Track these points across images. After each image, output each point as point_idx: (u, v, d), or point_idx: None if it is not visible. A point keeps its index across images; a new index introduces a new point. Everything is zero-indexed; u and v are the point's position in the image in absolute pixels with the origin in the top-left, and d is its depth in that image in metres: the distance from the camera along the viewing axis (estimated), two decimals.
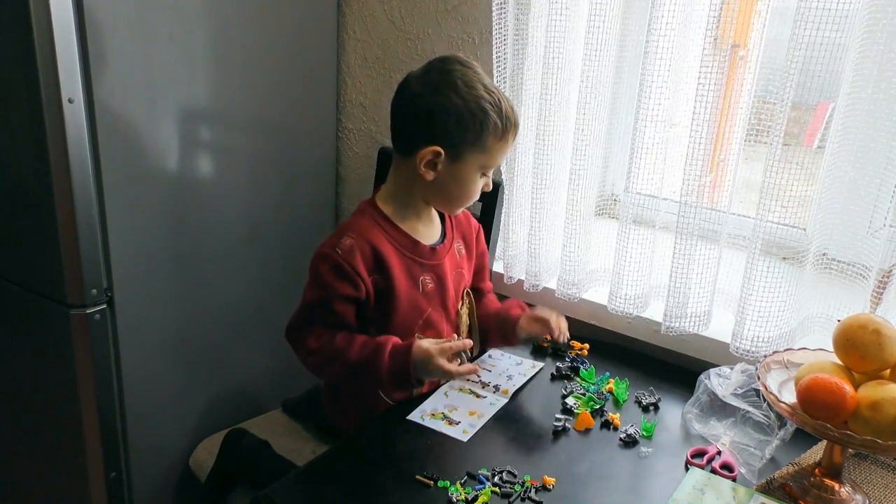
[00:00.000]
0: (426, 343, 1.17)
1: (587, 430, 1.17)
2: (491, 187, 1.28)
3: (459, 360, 1.21)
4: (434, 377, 1.20)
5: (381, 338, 1.20)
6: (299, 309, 1.24)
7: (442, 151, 1.17)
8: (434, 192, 1.24)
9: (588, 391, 1.26)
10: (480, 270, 1.42)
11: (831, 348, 1.01)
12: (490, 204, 1.53)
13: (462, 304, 1.35)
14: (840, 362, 1.00)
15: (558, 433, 1.15)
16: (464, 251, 1.35)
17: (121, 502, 1.56)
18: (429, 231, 1.30)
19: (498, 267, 1.58)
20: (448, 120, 1.15)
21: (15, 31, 1.24)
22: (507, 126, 1.19)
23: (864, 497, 1.01)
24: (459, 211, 1.32)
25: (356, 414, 1.31)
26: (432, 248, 1.28)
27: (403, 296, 1.23)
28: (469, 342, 1.22)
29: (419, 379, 1.19)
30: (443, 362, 1.16)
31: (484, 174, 1.24)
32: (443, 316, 1.30)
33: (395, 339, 1.20)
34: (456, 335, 1.31)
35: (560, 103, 1.39)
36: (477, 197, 1.26)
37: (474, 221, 1.41)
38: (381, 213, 1.25)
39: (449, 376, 1.20)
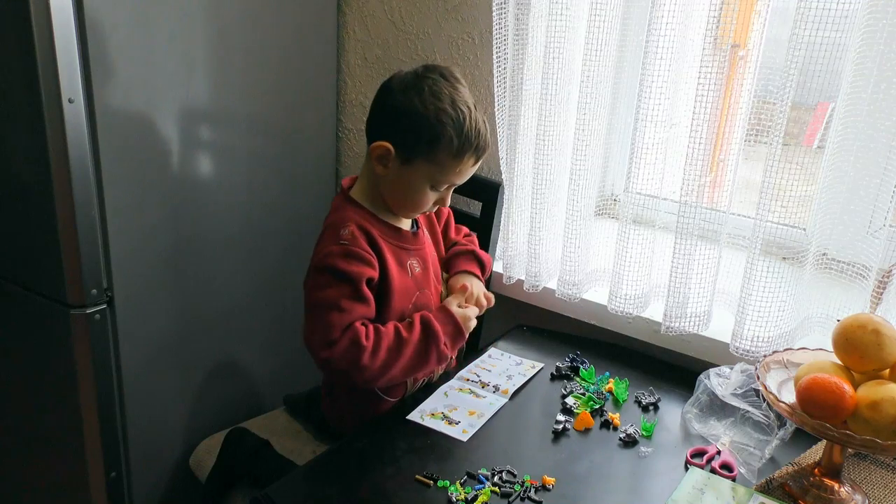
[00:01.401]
0: (455, 309, 1.24)
1: (587, 430, 1.17)
2: (447, 205, 1.27)
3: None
4: (470, 326, 1.26)
5: (417, 315, 1.22)
6: (324, 324, 1.15)
7: (391, 149, 1.17)
8: (385, 189, 1.24)
9: (588, 391, 1.26)
10: (447, 229, 1.45)
11: (831, 348, 1.01)
12: (490, 204, 1.53)
13: (443, 286, 1.36)
14: (840, 362, 1.00)
15: (558, 433, 1.15)
16: (428, 236, 1.37)
17: (121, 502, 1.56)
18: (405, 219, 1.31)
19: (498, 267, 1.58)
20: (403, 120, 1.16)
21: (15, 31, 1.25)
22: (463, 146, 1.16)
23: (863, 497, 1.01)
24: (408, 216, 1.29)
25: (353, 416, 1.31)
26: (413, 234, 1.29)
27: (397, 282, 1.23)
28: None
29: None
30: (472, 315, 1.27)
31: (434, 188, 1.21)
32: (429, 299, 1.30)
33: (426, 313, 1.23)
34: None
35: (560, 103, 1.39)
36: (426, 209, 1.24)
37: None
38: (360, 205, 1.25)
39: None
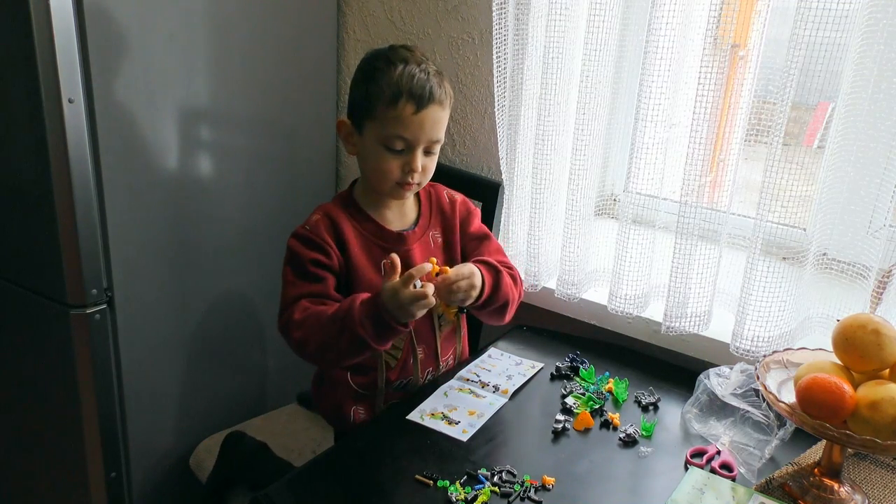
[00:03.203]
0: (389, 282, 1.10)
1: (587, 430, 1.17)
2: (418, 169, 1.19)
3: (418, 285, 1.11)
4: (407, 309, 1.09)
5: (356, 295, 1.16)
6: (281, 297, 1.22)
7: (348, 122, 1.23)
8: (361, 169, 1.27)
9: (588, 391, 1.26)
10: (477, 251, 1.33)
11: (831, 348, 1.01)
12: (490, 204, 1.53)
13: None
14: (839, 362, 1.00)
15: (558, 433, 1.15)
16: (440, 240, 1.31)
17: (121, 502, 1.56)
18: (399, 218, 1.29)
19: None
20: (351, 89, 1.23)
21: (15, 31, 1.25)
22: (396, 94, 1.15)
23: (863, 497, 1.01)
24: (384, 190, 1.24)
25: (336, 408, 1.32)
26: (400, 234, 1.27)
27: (363, 276, 1.23)
28: (426, 266, 1.11)
29: (396, 319, 1.10)
30: (408, 291, 1.08)
31: (389, 148, 1.18)
32: None
33: (366, 294, 1.15)
34: (438, 328, 1.31)
35: (560, 103, 1.39)
36: (393, 175, 1.20)
37: (464, 208, 1.34)
38: (352, 198, 1.29)
39: (419, 301, 1.08)
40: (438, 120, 1.20)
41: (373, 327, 1.11)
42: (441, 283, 1.15)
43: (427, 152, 1.21)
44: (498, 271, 1.25)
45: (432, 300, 1.10)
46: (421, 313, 1.11)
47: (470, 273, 1.18)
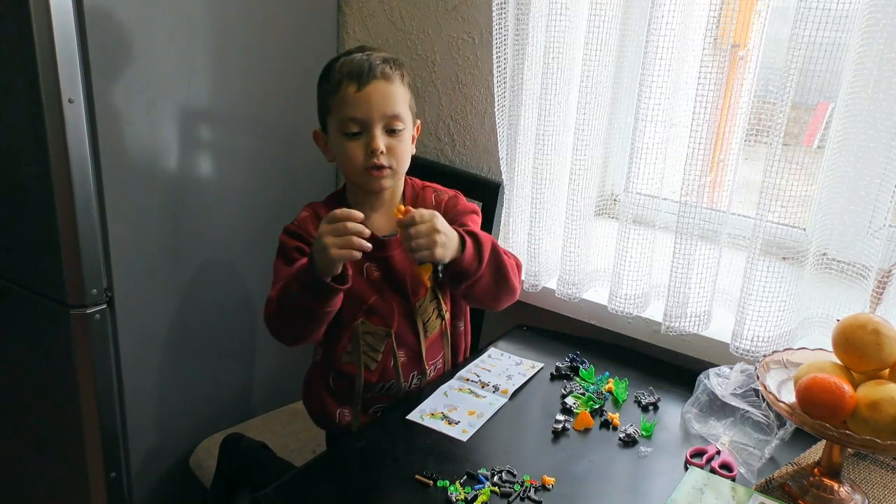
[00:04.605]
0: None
1: (587, 430, 1.17)
2: (378, 147, 1.17)
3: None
4: (329, 252, 1.08)
5: None
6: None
7: (319, 129, 1.27)
8: (339, 169, 1.29)
9: (587, 391, 1.26)
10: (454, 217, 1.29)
11: (831, 348, 1.01)
12: (490, 204, 1.53)
13: (422, 301, 1.29)
14: (839, 362, 1.00)
15: (558, 433, 1.15)
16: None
17: (121, 502, 1.56)
18: (387, 222, 1.28)
19: None
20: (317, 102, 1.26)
21: (15, 31, 1.25)
22: (339, 81, 1.18)
23: (862, 497, 1.01)
24: (358, 181, 1.23)
25: (320, 405, 1.32)
26: (383, 239, 1.25)
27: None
28: (357, 214, 1.09)
29: (322, 269, 1.10)
30: (324, 227, 1.08)
31: (346, 134, 1.19)
32: (395, 308, 1.27)
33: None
34: (423, 334, 1.29)
35: (560, 103, 1.39)
36: (357, 160, 1.19)
37: (452, 203, 1.31)
38: (343, 198, 1.31)
39: (340, 242, 1.07)
40: (387, 94, 1.18)
41: (305, 280, 1.12)
42: (399, 223, 1.09)
43: (390, 131, 1.20)
44: (483, 238, 1.18)
45: (358, 239, 1.06)
46: (336, 253, 1.07)
47: (431, 216, 1.09)
